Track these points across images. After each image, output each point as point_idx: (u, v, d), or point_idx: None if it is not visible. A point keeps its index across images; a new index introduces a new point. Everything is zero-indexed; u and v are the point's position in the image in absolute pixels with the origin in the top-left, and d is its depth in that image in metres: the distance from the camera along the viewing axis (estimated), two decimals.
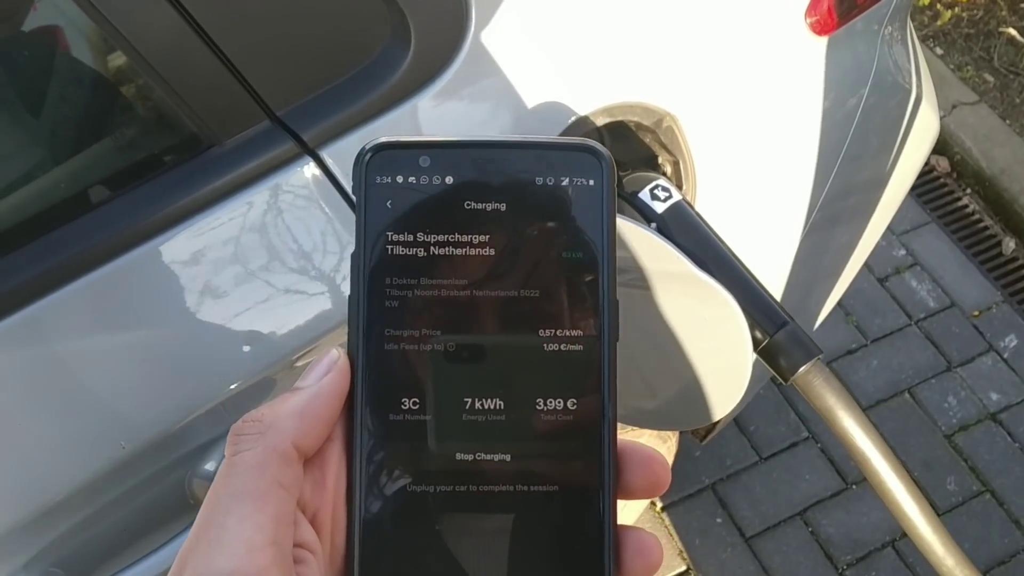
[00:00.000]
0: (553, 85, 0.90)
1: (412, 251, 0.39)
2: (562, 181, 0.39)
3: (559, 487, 0.39)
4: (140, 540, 0.83)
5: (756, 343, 0.82)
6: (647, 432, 1.39)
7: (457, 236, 0.39)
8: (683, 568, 1.89)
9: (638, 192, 0.89)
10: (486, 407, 0.39)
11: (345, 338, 0.40)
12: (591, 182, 0.39)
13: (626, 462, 0.39)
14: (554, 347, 0.39)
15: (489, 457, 0.39)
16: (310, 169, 0.78)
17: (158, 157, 0.76)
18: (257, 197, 0.77)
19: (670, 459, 1.56)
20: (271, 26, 0.74)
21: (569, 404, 0.39)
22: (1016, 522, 1.96)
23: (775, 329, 0.82)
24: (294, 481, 0.36)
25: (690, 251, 0.83)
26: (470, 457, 0.39)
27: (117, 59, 0.77)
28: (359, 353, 0.39)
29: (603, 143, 1.05)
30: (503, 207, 0.39)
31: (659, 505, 1.95)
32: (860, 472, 0.84)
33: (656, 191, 0.88)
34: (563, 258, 0.39)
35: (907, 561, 1.89)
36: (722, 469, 2.00)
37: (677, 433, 1.54)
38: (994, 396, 2.12)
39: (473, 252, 0.39)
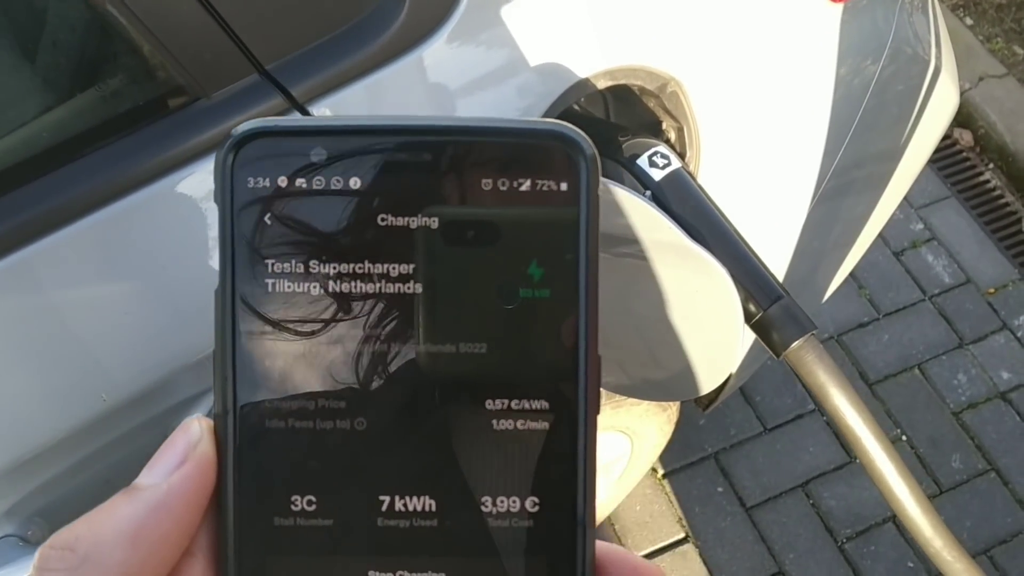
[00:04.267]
0: (554, 45, 0.88)
1: (302, 287, 0.28)
2: (520, 184, 0.28)
3: None
4: None
5: (750, 316, 0.81)
6: (644, 402, 1.38)
7: (367, 266, 0.28)
8: (682, 536, 1.89)
9: (637, 158, 0.87)
10: (411, 508, 0.28)
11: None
12: (563, 186, 0.28)
13: None
14: (507, 424, 0.28)
15: None
16: None
17: (144, 108, 0.75)
18: None
19: (671, 428, 1.55)
20: None
21: (528, 504, 0.28)
22: (1020, 502, 1.94)
23: (769, 303, 0.81)
24: None
25: (686, 221, 0.82)
26: None
27: (108, 6, 0.75)
28: (228, 433, 0.28)
29: (608, 107, 1.03)
30: (434, 224, 0.28)
31: (660, 472, 1.95)
32: (851, 448, 0.83)
33: (655, 158, 0.86)
34: (521, 298, 0.28)
35: (906, 536, 1.88)
36: (726, 438, 2.00)
37: (679, 402, 1.53)
38: (1005, 375, 2.09)
39: (390, 288, 0.28)
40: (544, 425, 0.28)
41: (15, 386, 0.74)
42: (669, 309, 0.83)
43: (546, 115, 0.89)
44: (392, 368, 0.28)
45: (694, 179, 0.86)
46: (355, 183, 0.28)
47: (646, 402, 1.42)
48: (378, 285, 0.28)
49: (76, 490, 0.80)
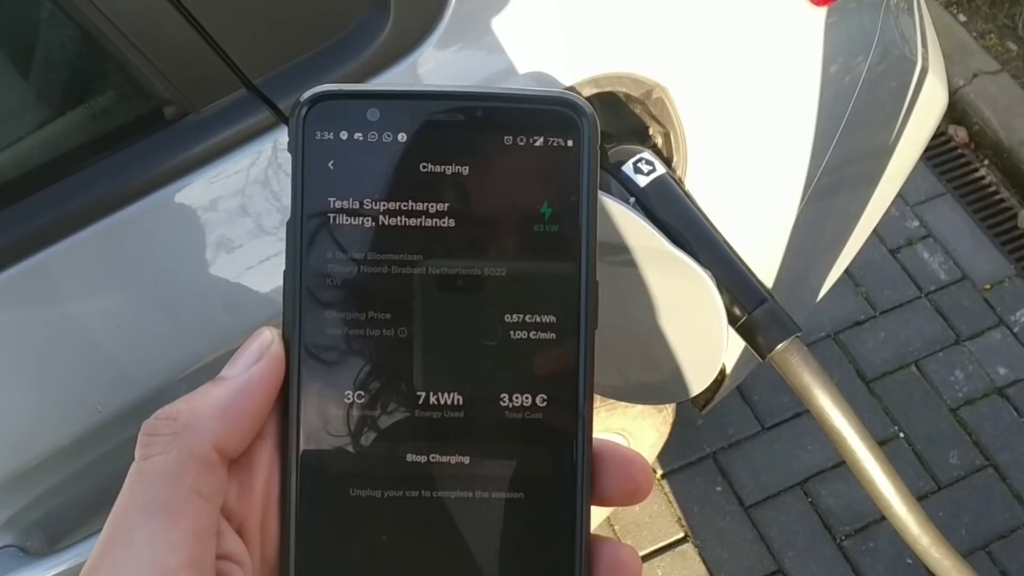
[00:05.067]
0: (538, 56, 0.89)
1: (357, 221, 0.34)
2: (536, 141, 0.34)
3: (524, 494, 0.34)
4: None
5: (735, 320, 0.82)
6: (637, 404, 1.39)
7: (410, 204, 0.34)
8: (681, 535, 1.90)
9: (622, 165, 0.88)
10: (443, 402, 0.34)
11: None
12: (570, 142, 0.34)
13: (602, 466, 0.34)
14: (522, 335, 0.34)
15: (445, 459, 0.34)
16: (286, 138, 0.78)
17: (134, 124, 0.76)
18: (233, 165, 0.77)
19: (667, 428, 1.56)
20: None
21: (538, 400, 0.34)
22: (1018, 497, 1.95)
23: (753, 306, 0.82)
24: (216, 489, 0.32)
25: (671, 226, 0.83)
26: (423, 459, 0.34)
27: (94, 25, 0.77)
28: (296, 337, 0.34)
29: None
30: (465, 171, 0.34)
31: (659, 472, 1.96)
32: (836, 449, 0.84)
33: (640, 164, 0.87)
34: (534, 232, 0.34)
35: None
36: (724, 438, 2.00)
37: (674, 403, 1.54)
38: (1002, 371, 2.10)
39: (429, 223, 0.34)
40: (552, 335, 0.34)
41: (11, 398, 0.75)
42: (657, 314, 0.85)
43: None
44: (428, 286, 0.34)
45: (679, 184, 0.88)
46: (401, 137, 0.34)
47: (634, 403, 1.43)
48: (419, 219, 0.34)
49: (74, 500, 0.82)
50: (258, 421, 0.33)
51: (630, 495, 0.35)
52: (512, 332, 0.34)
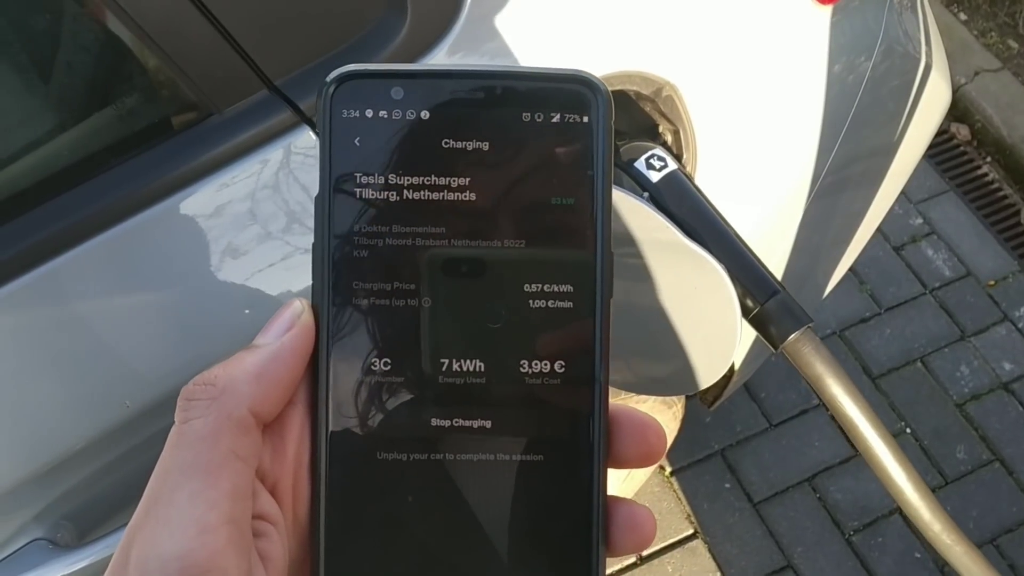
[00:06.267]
0: (551, 55, 0.90)
1: (383, 195, 0.35)
2: (552, 117, 0.35)
3: (545, 456, 0.35)
4: None
5: (747, 311, 0.83)
6: (651, 396, 1.41)
7: (433, 178, 0.35)
8: (690, 532, 1.92)
9: (634, 161, 0.90)
10: (465, 368, 0.35)
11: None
12: (585, 119, 0.35)
13: (618, 429, 0.36)
14: (541, 304, 0.35)
15: (468, 423, 0.35)
16: (308, 137, 0.80)
17: (159, 125, 0.78)
18: (256, 164, 0.79)
19: (676, 424, 1.58)
20: None
21: (557, 366, 0.35)
22: None
23: (766, 298, 0.84)
24: (252, 451, 0.33)
25: (684, 220, 0.84)
26: (447, 423, 0.35)
27: (120, 28, 0.78)
28: (325, 307, 0.35)
29: None
30: (485, 146, 0.35)
31: (668, 470, 1.97)
32: (848, 438, 0.85)
33: (652, 160, 0.89)
34: (552, 205, 0.35)
35: (914, 528, 1.90)
36: (732, 435, 2.02)
37: (683, 398, 1.56)
38: (1007, 366, 2.12)
39: (451, 196, 0.35)
40: (569, 304, 0.35)
41: (42, 395, 0.76)
42: (670, 306, 0.86)
43: None
44: (450, 258, 0.35)
45: (691, 180, 0.89)
46: (424, 114, 0.35)
47: (651, 399, 1.45)
48: (441, 193, 0.35)
49: (102, 494, 0.83)
50: (290, 387, 0.35)
51: (645, 457, 0.36)
52: (531, 301, 0.35)
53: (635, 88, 0.98)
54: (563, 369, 0.35)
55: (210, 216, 0.79)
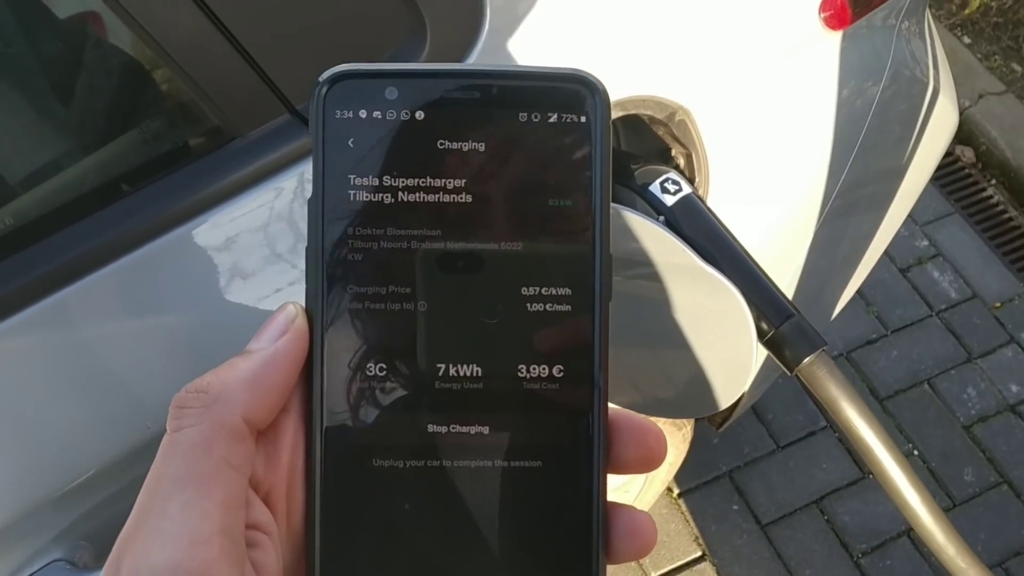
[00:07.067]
0: None
1: (377, 197, 0.34)
2: (549, 117, 0.34)
3: (543, 462, 0.35)
4: None
5: (762, 334, 0.84)
6: (661, 419, 1.41)
7: (428, 180, 0.34)
8: (698, 554, 1.91)
9: (649, 185, 0.91)
10: (462, 373, 0.35)
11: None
12: (583, 119, 0.34)
13: (617, 434, 0.35)
14: (538, 307, 0.35)
15: (465, 429, 0.35)
16: None
17: (182, 149, 0.79)
18: (278, 187, 0.80)
19: (685, 447, 1.58)
20: (290, 22, 0.76)
21: (555, 371, 0.35)
22: None
23: (780, 321, 0.84)
24: (245, 459, 0.33)
25: (698, 244, 0.85)
26: (444, 428, 0.35)
27: (144, 52, 0.80)
28: (319, 312, 0.34)
29: (618, 136, 1.07)
30: (482, 147, 0.34)
31: (676, 491, 1.97)
32: (863, 460, 0.86)
33: (666, 184, 0.90)
34: (550, 206, 0.35)
35: (922, 551, 1.90)
36: (739, 456, 2.02)
37: (692, 420, 1.56)
38: (1014, 388, 2.12)
39: (446, 198, 0.34)
40: (567, 308, 0.35)
41: (63, 416, 0.77)
42: (683, 329, 0.87)
43: None
44: (446, 260, 0.35)
45: (704, 203, 0.90)
46: (419, 115, 0.34)
47: (661, 422, 1.45)
48: (437, 195, 0.34)
49: (122, 515, 0.83)
50: (284, 393, 0.34)
51: (645, 462, 0.35)
52: (529, 305, 0.34)
53: (649, 112, 0.99)
54: (562, 373, 0.35)
55: (237, 236, 0.79)
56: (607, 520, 0.35)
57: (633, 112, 0.98)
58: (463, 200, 0.34)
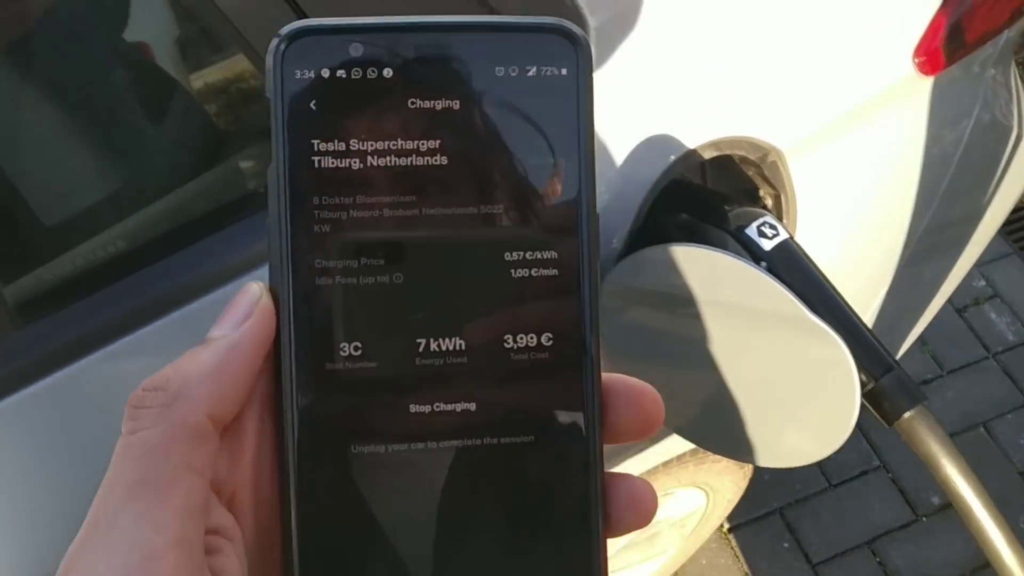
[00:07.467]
0: (662, 120, 0.91)
1: (344, 162, 0.32)
2: (528, 71, 0.32)
3: (535, 437, 0.33)
4: None
5: (861, 386, 0.82)
6: (724, 459, 1.39)
7: (400, 142, 0.32)
8: None
9: (745, 228, 0.90)
10: (444, 348, 0.32)
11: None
12: (563, 71, 0.32)
13: (612, 399, 0.33)
14: (523, 272, 0.32)
15: (450, 407, 0.32)
16: None
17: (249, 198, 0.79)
18: None
19: (745, 483, 1.56)
20: None
21: (544, 338, 0.33)
22: None
23: (881, 373, 0.83)
24: (207, 461, 0.29)
25: (797, 290, 0.84)
26: (427, 409, 0.32)
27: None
28: (285, 289, 0.31)
29: (705, 175, 1.06)
30: (456, 105, 0.32)
31: (726, 526, 1.95)
32: (962, 521, 0.84)
33: (764, 228, 0.89)
34: (531, 165, 0.32)
35: None
36: (791, 494, 1.99)
37: None
38: None
39: (420, 161, 0.32)
40: (554, 271, 0.32)
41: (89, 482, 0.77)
42: (782, 378, 0.85)
43: (656, 184, 0.92)
44: (422, 228, 0.32)
45: (801, 249, 0.89)
46: (387, 72, 0.32)
47: (725, 461, 1.44)
48: (409, 158, 0.32)
49: None
50: (249, 382, 0.31)
51: (643, 426, 0.33)
52: (513, 270, 0.32)
53: (741, 152, 0.98)
54: (551, 341, 0.33)
55: None
56: (607, 490, 0.33)
57: (727, 152, 0.97)
58: (438, 162, 0.32)
